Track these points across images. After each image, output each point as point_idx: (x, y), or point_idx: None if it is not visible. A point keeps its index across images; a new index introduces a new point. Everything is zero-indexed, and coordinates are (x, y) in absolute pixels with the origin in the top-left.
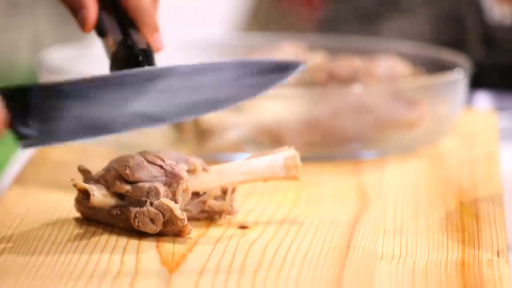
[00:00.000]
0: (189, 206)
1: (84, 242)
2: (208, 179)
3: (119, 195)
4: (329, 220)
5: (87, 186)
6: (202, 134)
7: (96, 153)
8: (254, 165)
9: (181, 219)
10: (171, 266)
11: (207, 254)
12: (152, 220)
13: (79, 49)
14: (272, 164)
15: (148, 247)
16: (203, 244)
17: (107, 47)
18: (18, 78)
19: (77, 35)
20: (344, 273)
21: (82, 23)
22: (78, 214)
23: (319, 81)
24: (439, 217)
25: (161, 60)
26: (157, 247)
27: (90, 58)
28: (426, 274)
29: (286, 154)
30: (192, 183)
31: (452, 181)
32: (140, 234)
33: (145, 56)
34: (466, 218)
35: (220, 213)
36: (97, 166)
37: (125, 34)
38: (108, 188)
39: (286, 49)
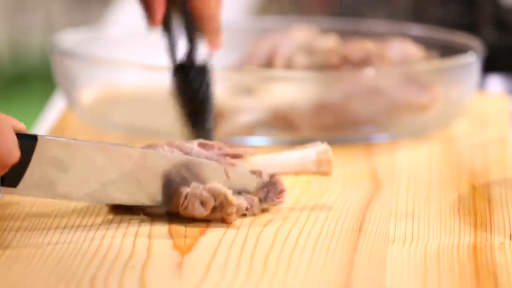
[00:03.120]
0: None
1: (95, 227)
2: (239, 172)
3: None
4: (340, 204)
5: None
6: (215, 117)
7: (110, 138)
8: (286, 158)
9: (234, 205)
10: (183, 250)
11: (218, 237)
12: (202, 204)
13: (92, 32)
14: (304, 158)
15: (160, 230)
16: (214, 228)
17: (169, 44)
18: (31, 61)
19: (90, 18)
20: (356, 257)
21: (149, 18)
22: None
23: (331, 65)
24: (451, 200)
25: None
26: (169, 230)
27: (102, 41)
28: (438, 257)
29: (319, 148)
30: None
31: (464, 164)
32: (152, 218)
33: (200, 73)
34: (478, 202)
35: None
36: None
37: (190, 37)
38: None
39: (298, 33)
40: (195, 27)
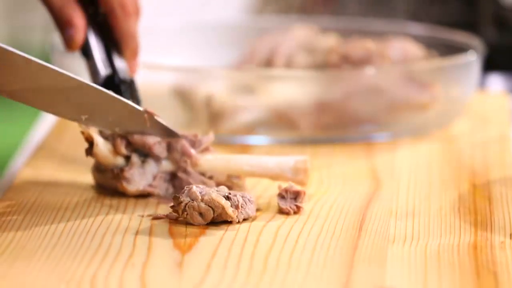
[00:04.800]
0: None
1: (96, 224)
2: (216, 163)
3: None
4: (341, 203)
5: (94, 135)
6: (215, 116)
7: None
8: (264, 161)
9: (233, 218)
10: (184, 249)
11: (219, 237)
12: (201, 215)
13: None
14: (282, 163)
15: (161, 229)
16: (215, 227)
17: (90, 67)
18: None
19: None
20: (356, 256)
21: (68, 43)
22: (90, 196)
23: (332, 63)
24: (452, 199)
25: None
26: (169, 229)
27: None
28: (438, 256)
29: (298, 158)
30: (200, 161)
31: (464, 163)
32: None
33: (130, 89)
34: (478, 201)
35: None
36: None
37: (109, 59)
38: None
39: (298, 32)
40: (114, 49)
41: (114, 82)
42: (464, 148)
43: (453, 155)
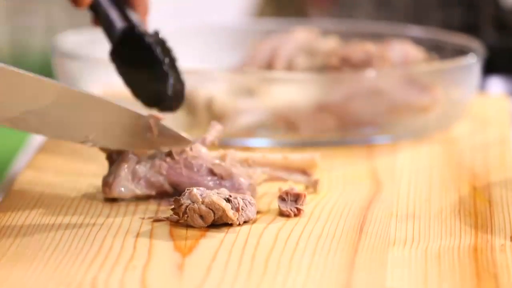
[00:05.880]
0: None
1: (97, 226)
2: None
3: None
4: (341, 205)
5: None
6: (216, 118)
7: None
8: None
9: (234, 220)
10: (184, 251)
11: (219, 239)
12: (202, 217)
13: (93, 34)
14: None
15: (162, 231)
16: (216, 229)
17: (104, 23)
18: (32, 62)
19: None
20: (357, 258)
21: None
22: (91, 198)
23: (332, 66)
24: (452, 202)
25: (182, 44)
26: (170, 232)
27: (103, 43)
28: (438, 259)
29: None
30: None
31: (465, 165)
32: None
33: (160, 43)
34: (479, 203)
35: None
36: None
37: (124, 14)
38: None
39: (299, 35)
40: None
41: (135, 34)
42: (464, 151)
43: (453, 157)
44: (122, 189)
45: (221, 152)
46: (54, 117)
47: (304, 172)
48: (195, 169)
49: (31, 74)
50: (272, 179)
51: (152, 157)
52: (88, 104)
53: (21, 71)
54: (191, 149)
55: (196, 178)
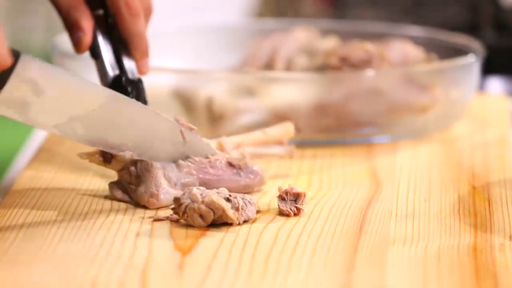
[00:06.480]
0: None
1: (97, 226)
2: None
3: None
4: (341, 204)
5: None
6: (215, 118)
7: None
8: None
9: (234, 220)
10: (184, 250)
11: (219, 238)
12: (202, 217)
13: None
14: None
15: (162, 231)
16: (215, 229)
17: (98, 69)
18: None
19: None
20: (356, 257)
21: (76, 45)
22: (91, 198)
23: (332, 66)
24: (451, 201)
25: (181, 44)
26: (170, 231)
27: None
28: (438, 258)
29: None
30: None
31: (464, 165)
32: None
33: (137, 91)
34: (478, 202)
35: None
36: None
37: (118, 60)
38: None
39: (298, 34)
40: (123, 49)
41: (122, 82)
42: (464, 150)
43: (453, 157)
44: (168, 196)
45: (215, 141)
46: (98, 123)
47: (280, 143)
48: (218, 166)
49: (81, 79)
50: (255, 156)
51: (172, 161)
52: (130, 110)
53: (72, 76)
54: None
55: (221, 174)
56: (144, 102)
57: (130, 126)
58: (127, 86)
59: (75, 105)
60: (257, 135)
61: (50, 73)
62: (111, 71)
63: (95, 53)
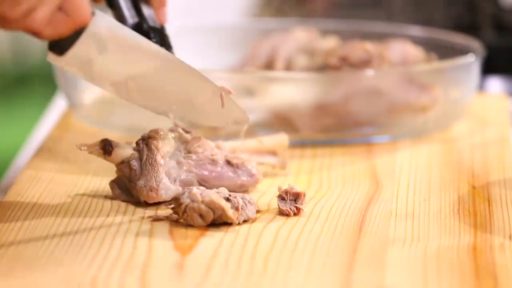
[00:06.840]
0: None
1: (97, 226)
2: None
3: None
4: (341, 204)
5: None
6: None
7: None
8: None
9: (233, 219)
10: (184, 250)
11: (219, 238)
12: (201, 216)
13: None
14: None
15: (161, 231)
16: (215, 228)
17: (116, 17)
18: (32, 62)
19: None
20: (356, 257)
21: None
22: (91, 197)
23: (331, 66)
24: (451, 201)
25: (181, 44)
26: (169, 231)
27: None
28: (438, 258)
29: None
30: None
31: (464, 165)
32: (154, 218)
33: (161, 37)
34: (478, 202)
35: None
36: None
37: (136, 8)
38: None
39: (298, 34)
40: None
41: (143, 29)
42: (463, 150)
43: (452, 157)
44: (167, 191)
45: (214, 143)
46: (151, 84)
47: (274, 153)
48: (216, 163)
49: (141, 38)
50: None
51: (171, 157)
52: (180, 72)
53: (135, 35)
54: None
55: (220, 172)
56: (169, 48)
57: (178, 87)
58: (150, 33)
59: (133, 64)
60: (252, 143)
61: (116, 32)
62: (130, 18)
63: (112, 1)
